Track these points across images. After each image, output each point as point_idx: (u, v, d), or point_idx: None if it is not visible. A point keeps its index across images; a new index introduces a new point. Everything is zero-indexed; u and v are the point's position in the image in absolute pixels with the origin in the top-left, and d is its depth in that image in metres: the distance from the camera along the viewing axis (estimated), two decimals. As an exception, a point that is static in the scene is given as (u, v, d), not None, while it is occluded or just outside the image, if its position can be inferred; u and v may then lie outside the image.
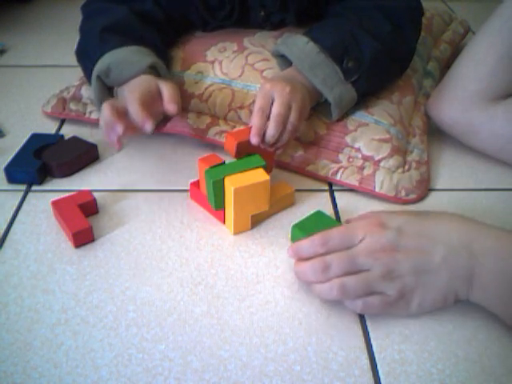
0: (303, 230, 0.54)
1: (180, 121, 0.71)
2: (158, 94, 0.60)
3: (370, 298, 0.47)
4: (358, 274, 0.47)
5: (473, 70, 0.69)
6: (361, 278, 0.47)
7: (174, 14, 0.75)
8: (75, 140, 0.71)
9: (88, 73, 0.66)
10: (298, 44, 0.65)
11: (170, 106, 0.59)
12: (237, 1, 0.73)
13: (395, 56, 0.68)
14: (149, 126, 0.56)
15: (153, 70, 0.64)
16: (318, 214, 0.57)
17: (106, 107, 0.57)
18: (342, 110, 0.66)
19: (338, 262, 0.47)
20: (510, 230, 0.48)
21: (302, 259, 0.49)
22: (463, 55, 0.71)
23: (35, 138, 0.71)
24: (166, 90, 0.59)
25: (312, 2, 0.75)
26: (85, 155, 0.69)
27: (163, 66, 0.65)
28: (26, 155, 0.67)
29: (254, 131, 0.58)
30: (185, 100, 0.71)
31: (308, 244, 0.49)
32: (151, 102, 0.59)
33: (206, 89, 0.71)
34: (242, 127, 0.70)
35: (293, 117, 0.59)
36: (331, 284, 0.47)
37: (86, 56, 0.67)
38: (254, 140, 0.58)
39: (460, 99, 0.69)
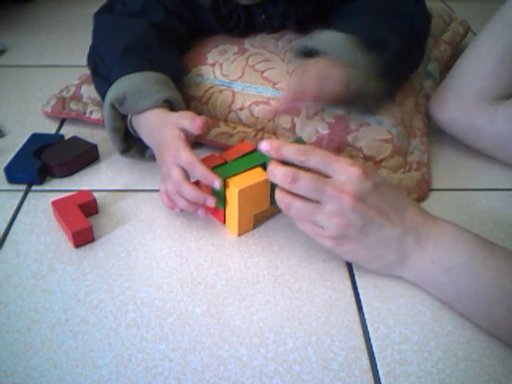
0: None
1: None
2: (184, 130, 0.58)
3: (307, 224, 0.51)
4: (311, 204, 0.49)
5: (475, 70, 0.69)
6: (311, 209, 0.49)
7: (190, 23, 0.74)
8: (75, 140, 0.71)
9: (101, 90, 0.65)
10: (337, 39, 0.64)
11: (197, 130, 0.56)
12: (242, 9, 0.73)
13: (411, 61, 0.69)
14: (217, 183, 0.54)
15: (167, 103, 0.63)
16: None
17: (188, 186, 0.55)
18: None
19: (307, 181, 0.48)
20: (450, 222, 0.51)
21: (277, 160, 0.51)
22: (465, 55, 0.71)
23: (35, 137, 0.71)
24: (185, 120, 0.57)
25: (313, 11, 0.75)
26: (85, 155, 0.69)
27: (178, 100, 0.63)
28: (25, 155, 0.67)
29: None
30: (185, 102, 0.71)
31: (293, 149, 0.49)
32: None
33: (206, 91, 0.71)
34: (241, 128, 0.70)
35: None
36: (285, 198, 0.50)
37: (102, 74, 0.65)
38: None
39: (461, 99, 0.69)
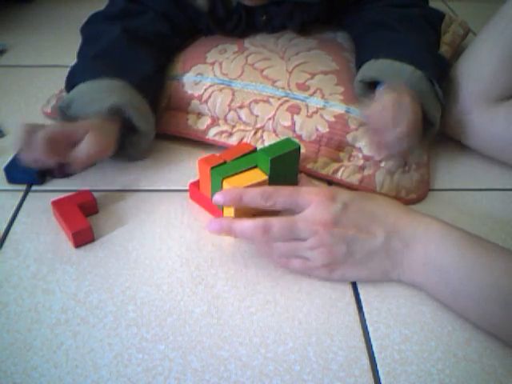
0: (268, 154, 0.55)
1: (180, 122, 0.71)
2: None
3: (294, 261, 0.52)
4: (291, 242, 0.50)
5: (475, 70, 0.69)
6: (292, 246, 0.50)
7: (181, 24, 0.75)
8: None
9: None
10: (405, 73, 0.62)
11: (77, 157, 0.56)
12: (243, 10, 0.73)
13: None
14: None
15: (118, 112, 0.60)
16: (286, 141, 0.59)
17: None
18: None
19: (279, 228, 0.49)
20: (439, 220, 0.51)
21: (242, 205, 0.51)
22: (465, 56, 0.71)
23: None
24: (85, 143, 0.56)
25: (319, 13, 0.75)
26: None
27: (134, 105, 0.61)
28: None
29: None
30: (184, 101, 0.71)
31: (256, 195, 0.50)
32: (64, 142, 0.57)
33: (205, 90, 0.71)
34: (240, 127, 0.70)
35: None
36: (263, 249, 0.52)
37: (68, 84, 0.65)
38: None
39: (461, 100, 0.69)
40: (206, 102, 0.71)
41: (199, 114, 0.72)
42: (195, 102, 0.71)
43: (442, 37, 0.93)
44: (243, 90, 0.70)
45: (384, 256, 0.50)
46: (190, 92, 0.72)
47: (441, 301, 0.50)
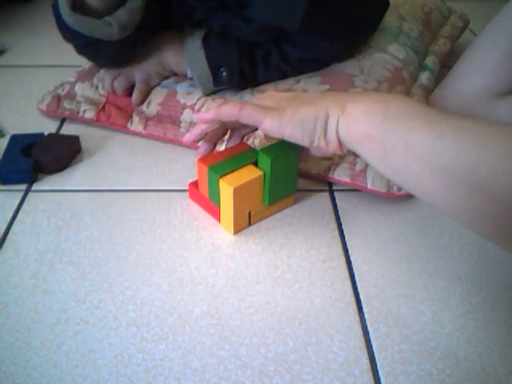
0: (268, 154, 0.56)
1: (172, 129, 0.72)
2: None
3: (247, 105, 0.53)
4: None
5: (478, 65, 0.69)
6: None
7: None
8: (55, 135, 0.72)
9: None
10: None
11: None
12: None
13: None
14: None
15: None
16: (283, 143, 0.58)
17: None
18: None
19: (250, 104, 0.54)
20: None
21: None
22: (468, 52, 0.72)
23: (16, 138, 0.70)
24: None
25: None
26: (71, 148, 0.70)
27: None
28: (14, 156, 0.67)
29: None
30: (177, 110, 0.73)
31: (230, 108, 0.54)
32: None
33: (198, 99, 0.72)
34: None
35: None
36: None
37: None
38: None
39: (463, 94, 0.70)
40: (199, 110, 0.71)
41: (191, 123, 0.72)
42: (188, 111, 0.72)
43: (441, 30, 0.93)
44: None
45: (332, 97, 0.49)
46: (182, 101, 0.72)
47: (381, 167, 0.46)
